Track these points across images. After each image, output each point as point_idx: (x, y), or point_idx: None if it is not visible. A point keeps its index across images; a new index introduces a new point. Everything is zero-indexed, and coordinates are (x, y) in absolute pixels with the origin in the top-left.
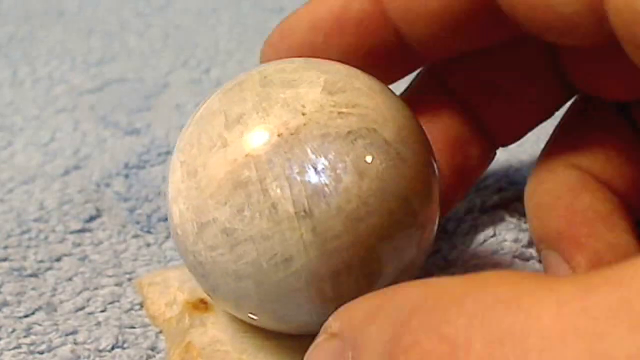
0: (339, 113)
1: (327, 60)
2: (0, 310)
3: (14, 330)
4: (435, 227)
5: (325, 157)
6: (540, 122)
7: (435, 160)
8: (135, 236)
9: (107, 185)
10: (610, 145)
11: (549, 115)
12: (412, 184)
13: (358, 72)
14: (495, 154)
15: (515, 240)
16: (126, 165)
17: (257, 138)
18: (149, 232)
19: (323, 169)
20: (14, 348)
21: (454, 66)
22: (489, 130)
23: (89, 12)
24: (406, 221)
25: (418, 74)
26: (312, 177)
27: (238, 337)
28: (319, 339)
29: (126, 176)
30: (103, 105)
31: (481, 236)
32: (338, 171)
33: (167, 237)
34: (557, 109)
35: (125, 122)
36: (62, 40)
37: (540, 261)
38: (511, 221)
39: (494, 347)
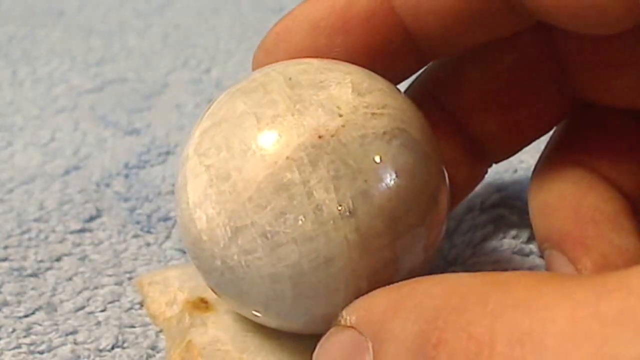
0: (373, 114)
1: (339, 61)
2: (0, 310)
3: (14, 330)
4: (443, 232)
5: (367, 158)
6: (536, 139)
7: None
8: (136, 236)
9: (107, 185)
10: (617, 144)
11: (545, 132)
12: (437, 180)
13: (372, 72)
14: (486, 171)
15: (515, 237)
16: (126, 165)
17: (297, 140)
18: (149, 232)
19: (366, 169)
20: (14, 348)
21: (448, 82)
22: (480, 148)
23: (89, 12)
24: (432, 217)
25: (409, 90)
26: (356, 178)
27: (239, 337)
28: (332, 330)
29: (126, 176)
30: (103, 105)
31: (480, 234)
32: (379, 171)
33: (167, 237)
34: (554, 126)
35: (125, 122)
36: (62, 40)
37: (541, 257)
38: (510, 219)
39: (515, 347)
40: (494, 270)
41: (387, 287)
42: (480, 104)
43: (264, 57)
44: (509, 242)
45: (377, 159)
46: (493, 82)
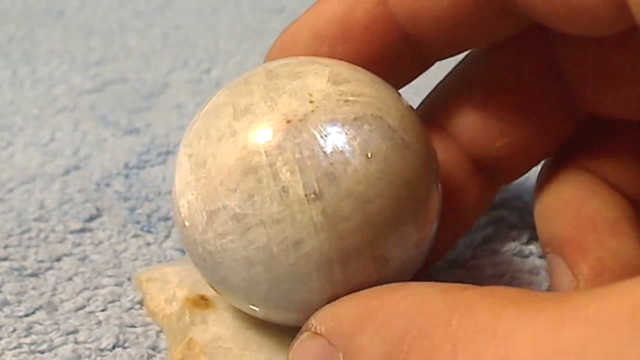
0: (346, 101)
1: (328, 58)
2: (1, 309)
3: (14, 330)
4: (438, 214)
5: (334, 141)
6: (544, 158)
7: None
8: (135, 236)
9: (107, 185)
10: (622, 149)
11: (552, 150)
12: (416, 168)
13: (357, 66)
14: (496, 193)
15: (515, 239)
16: (126, 165)
17: (266, 125)
18: (149, 231)
19: (332, 152)
20: (15, 348)
21: (450, 108)
22: (489, 172)
23: (89, 12)
24: (411, 205)
25: None
26: (322, 161)
27: (240, 334)
28: (302, 336)
29: (126, 176)
30: (103, 105)
31: (481, 235)
32: (347, 154)
33: (167, 237)
34: (561, 143)
35: (125, 122)
36: (62, 40)
37: (541, 257)
38: (510, 219)
39: None
40: (493, 273)
41: (355, 295)
42: (483, 128)
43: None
44: (509, 244)
45: (345, 142)
46: (496, 106)
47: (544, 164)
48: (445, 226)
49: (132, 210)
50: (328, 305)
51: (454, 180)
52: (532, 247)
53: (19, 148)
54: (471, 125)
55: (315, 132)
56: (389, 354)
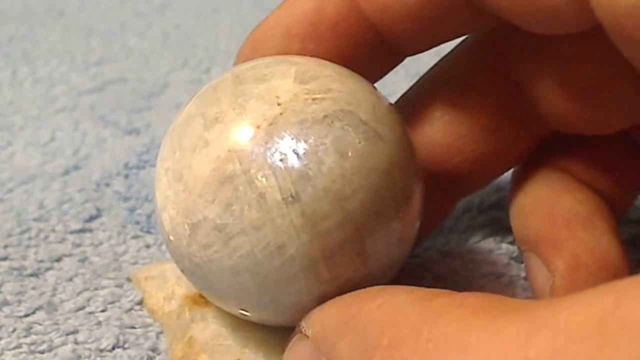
0: (314, 99)
1: (297, 55)
2: (1, 309)
3: (14, 330)
4: (421, 203)
5: (306, 142)
6: (503, 173)
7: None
8: (135, 237)
9: (107, 185)
10: (592, 146)
11: (513, 166)
12: (392, 158)
13: (325, 61)
14: (454, 206)
15: (512, 242)
16: (126, 165)
17: (237, 133)
18: (148, 232)
19: (304, 153)
20: (15, 348)
21: (413, 121)
22: (447, 186)
23: (89, 12)
24: (390, 195)
25: None
26: (295, 163)
27: (240, 331)
28: (295, 338)
29: (126, 176)
30: (103, 105)
31: (478, 235)
32: (319, 154)
33: None
34: (522, 159)
35: (125, 122)
36: (62, 40)
37: None
38: (507, 221)
39: None
40: (490, 271)
41: (339, 299)
42: (441, 144)
43: (244, 59)
44: (506, 246)
45: (316, 142)
46: (455, 122)
47: None
48: None
49: (132, 210)
50: (317, 308)
51: None
52: None
53: (19, 148)
54: (427, 141)
55: (285, 135)
56: None
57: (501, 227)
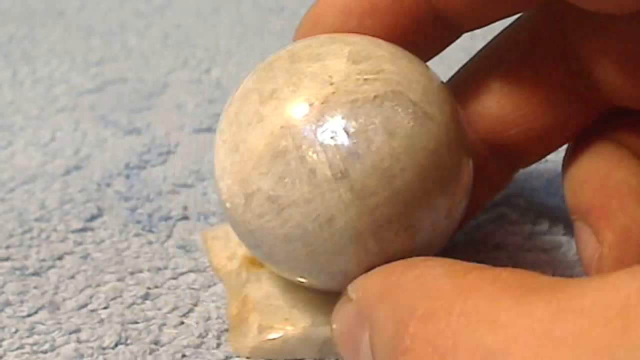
0: (365, 80)
1: (351, 34)
2: (3, 310)
3: (17, 331)
4: (469, 181)
5: (356, 121)
6: (561, 145)
7: (462, 118)
8: (137, 235)
9: (108, 185)
10: None
11: (571, 138)
12: (441, 139)
13: (380, 41)
14: (512, 175)
15: (515, 234)
16: (127, 165)
17: (290, 110)
18: (150, 231)
19: (354, 132)
20: (18, 348)
21: (471, 92)
22: (505, 157)
23: (89, 12)
24: (439, 173)
25: None
26: (345, 141)
27: (290, 293)
28: (342, 300)
29: (127, 176)
30: (103, 105)
31: (481, 233)
32: (369, 133)
33: (169, 237)
34: (580, 130)
35: (126, 122)
36: (62, 40)
37: (543, 251)
38: (512, 217)
39: None
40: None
41: (382, 268)
42: (499, 115)
43: (303, 34)
44: (511, 238)
45: (366, 121)
46: (513, 94)
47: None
48: None
49: (133, 210)
50: (362, 276)
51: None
52: (534, 242)
53: (19, 148)
54: (487, 111)
55: (337, 114)
56: (398, 331)
57: (505, 221)
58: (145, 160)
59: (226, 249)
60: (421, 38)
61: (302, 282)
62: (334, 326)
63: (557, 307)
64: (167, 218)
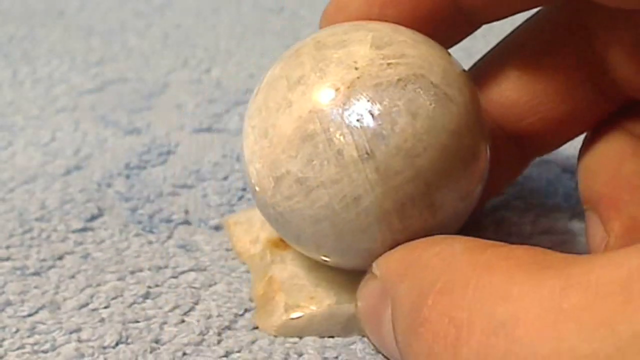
0: (388, 64)
1: (373, 21)
2: (4, 310)
3: (17, 330)
4: (487, 162)
5: (380, 104)
6: (576, 136)
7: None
8: (137, 235)
9: (109, 185)
10: None
11: (586, 129)
12: (461, 120)
13: (401, 27)
14: (529, 162)
15: (515, 235)
16: (127, 166)
17: (317, 95)
18: (151, 231)
19: (379, 114)
20: (18, 348)
21: (489, 80)
22: (521, 145)
23: (89, 12)
24: (459, 154)
25: None
26: (370, 123)
27: (313, 272)
28: (367, 276)
29: (127, 176)
30: (103, 105)
31: (482, 235)
32: (393, 115)
33: (169, 237)
34: (596, 123)
35: (126, 122)
36: (62, 40)
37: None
38: (511, 218)
39: (490, 337)
40: None
41: (405, 245)
42: (515, 104)
43: (326, 24)
44: (512, 239)
45: (390, 103)
46: (529, 84)
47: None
48: None
49: (133, 210)
50: (386, 253)
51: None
52: (534, 243)
53: (19, 148)
54: (504, 99)
55: (362, 97)
56: (417, 304)
57: (505, 224)
58: (146, 160)
59: (249, 233)
60: (440, 28)
61: (326, 261)
62: (359, 303)
63: (565, 283)
64: (168, 220)
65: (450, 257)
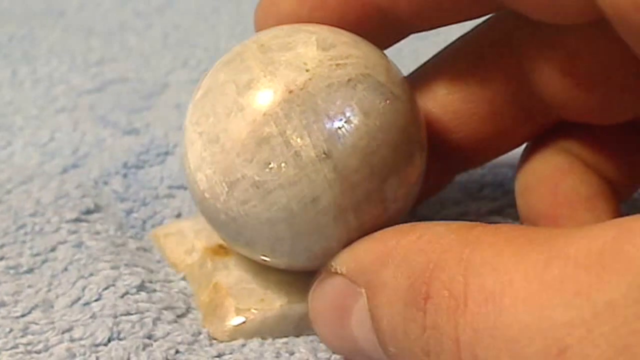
0: (337, 65)
1: (310, 24)
2: None
3: (11, 330)
4: (427, 158)
5: (334, 104)
6: (503, 154)
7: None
8: (131, 237)
9: (105, 183)
10: (598, 132)
11: (514, 147)
12: (407, 116)
13: (338, 29)
14: (453, 177)
15: None
16: (125, 165)
17: (271, 97)
18: (142, 239)
19: (334, 114)
20: (12, 348)
21: (421, 90)
22: (447, 158)
23: (89, 12)
24: (407, 149)
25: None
26: (326, 123)
27: (261, 275)
28: (322, 276)
29: (124, 175)
30: (103, 105)
31: None
32: (347, 114)
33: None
34: (525, 141)
35: (125, 122)
36: (62, 40)
37: None
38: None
39: (482, 305)
40: None
41: (369, 237)
42: (442, 119)
43: (262, 17)
44: None
45: (344, 103)
46: (457, 100)
47: (526, 145)
48: None
49: (128, 212)
50: (346, 249)
51: None
52: None
53: (18, 148)
54: (431, 116)
55: (316, 98)
56: (411, 285)
57: None
58: (144, 160)
59: (182, 244)
60: (370, 32)
61: (278, 264)
62: (313, 304)
63: (547, 255)
64: (160, 226)
65: (437, 239)
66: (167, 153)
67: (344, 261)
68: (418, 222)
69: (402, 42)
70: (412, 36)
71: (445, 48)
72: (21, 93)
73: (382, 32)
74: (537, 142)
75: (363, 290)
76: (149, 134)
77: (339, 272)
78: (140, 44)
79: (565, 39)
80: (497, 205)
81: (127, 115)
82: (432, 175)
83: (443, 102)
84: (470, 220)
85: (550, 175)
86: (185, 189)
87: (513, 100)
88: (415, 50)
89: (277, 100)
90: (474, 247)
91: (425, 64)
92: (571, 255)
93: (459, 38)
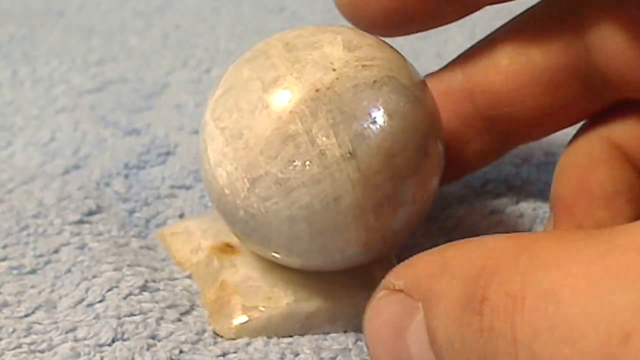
0: (363, 66)
1: (334, 24)
2: (1, 311)
3: (14, 330)
4: (444, 157)
5: (361, 104)
6: (558, 130)
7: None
8: (134, 236)
9: (107, 184)
10: None
11: (570, 125)
12: (428, 119)
13: (360, 31)
14: (507, 151)
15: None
16: (126, 165)
17: (298, 96)
18: (146, 237)
19: (361, 114)
20: (15, 348)
21: (477, 66)
22: (500, 132)
23: (89, 12)
24: (427, 152)
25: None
26: (353, 123)
27: (268, 274)
28: (380, 294)
29: (126, 176)
30: (103, 105)
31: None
32: (373, 115)
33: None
34: (581, 119)
35: (125, 122)
36: (62, 40)
37: None
38: (508, 223)
39: (540, 301)
40: None
41: (428, 252)
42: (498, 91)
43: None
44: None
45: (370, 104)
46: (514, 73)
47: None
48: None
49: (131, 212)
50: (403, 263)
51: (460, 132)
52: None
53: (18, 148)
54: (490, 86)
55: (343, 98)
56: (466, 291)
57: (501, 229)
58: (145, 160)
59: (188, 242)
60: (442, 3)
61: (290, 263)
62: (369, 323)
63: (609, 245)
64: (164, 225)
65: (493, 246)
66: (168, 153)
67: (401, 275)
68: (474, 238)
69: (403, 42)
70: (412, 36)
71: (509, 21)
72: (21, 93)
73: (456, 3)
74: (587, 125)
75: (420, 305)
76: (150, 134)
77: (397, 287)
78: (140, 44)
79: (632, 9)
80: (501, 203)
81: (127, 116)
82: (489, 147)
83: (505, 72)
84: (475, 220)
85: (584, 163)
86: (188, 188)
87: (574, 73)
88: (415, 50)
89: (304, 99)
90: (531, 248)
91: (487, 36)
92: (631, 244)
93: (523, 12)
